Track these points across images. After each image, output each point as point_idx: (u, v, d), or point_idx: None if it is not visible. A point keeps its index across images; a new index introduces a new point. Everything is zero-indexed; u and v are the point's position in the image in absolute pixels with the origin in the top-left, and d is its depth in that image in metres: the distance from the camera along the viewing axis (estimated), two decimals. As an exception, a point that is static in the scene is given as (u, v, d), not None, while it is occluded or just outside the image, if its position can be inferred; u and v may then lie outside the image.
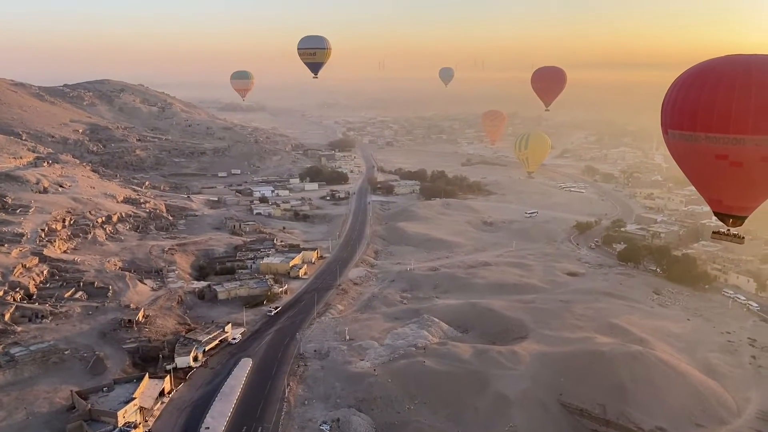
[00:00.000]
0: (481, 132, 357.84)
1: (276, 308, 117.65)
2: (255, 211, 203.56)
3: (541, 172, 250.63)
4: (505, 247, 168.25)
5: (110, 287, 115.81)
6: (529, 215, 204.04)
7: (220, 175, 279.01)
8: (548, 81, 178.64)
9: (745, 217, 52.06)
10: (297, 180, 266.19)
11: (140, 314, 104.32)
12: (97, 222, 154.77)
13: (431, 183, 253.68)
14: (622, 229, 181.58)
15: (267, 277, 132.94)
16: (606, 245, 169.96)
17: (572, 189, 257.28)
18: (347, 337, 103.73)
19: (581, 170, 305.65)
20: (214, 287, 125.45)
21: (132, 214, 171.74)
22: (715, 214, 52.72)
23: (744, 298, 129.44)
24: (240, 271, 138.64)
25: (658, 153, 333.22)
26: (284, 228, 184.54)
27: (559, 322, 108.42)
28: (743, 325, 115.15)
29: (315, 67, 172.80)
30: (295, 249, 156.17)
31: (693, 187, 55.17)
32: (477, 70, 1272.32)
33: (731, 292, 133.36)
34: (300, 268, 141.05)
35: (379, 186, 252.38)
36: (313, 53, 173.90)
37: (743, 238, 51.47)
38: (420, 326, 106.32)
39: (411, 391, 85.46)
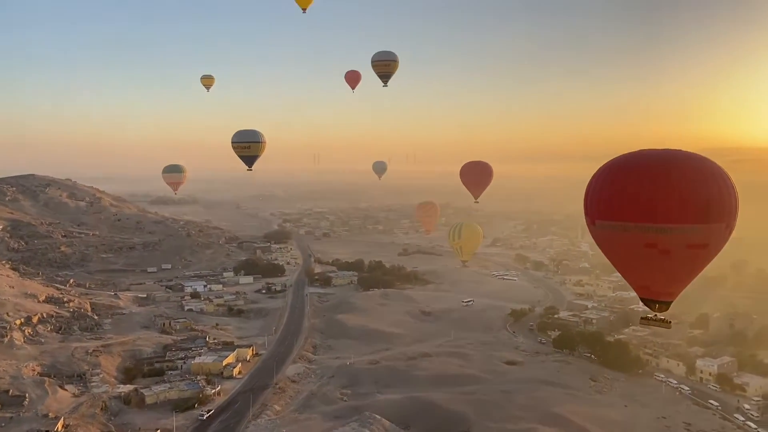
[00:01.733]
0: (416, 222, 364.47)
1: (208, 411, 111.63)
2: (186, 308, 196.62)
3: (475, 260, 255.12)
4: (444, 336, 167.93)
5: (27, 395, 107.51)
6: (465, 304, 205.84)
7: (149, 270, 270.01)
8: (476, 175, 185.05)
9: (671, 302, 54.13)
10: (231, 273, 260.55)
11: (59, 424, 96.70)
12: (14, 324, 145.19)
13: (369, 273, 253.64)
14: (556, 316, 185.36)
15: (199, 377, 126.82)
16: (541, 332, 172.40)
17: (505, 277, 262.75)
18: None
19: (513, 258, 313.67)
20: (142, 391, 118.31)
21: (54, 314, 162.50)
22: (642, 300, 54.56)
23: (675, 382, 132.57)
24: (170, 372, 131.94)
25: (584, 241, 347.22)
26: (217, 324, 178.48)
27: (501, 414, 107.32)
28: (677, 409, 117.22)
29: (249, 160, 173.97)
30: (228, 346, 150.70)
31: (619, 274, 57.33)
32: (410, 163, 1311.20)
33: (663, 376, 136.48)
34: (234, 367, 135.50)
35: (316, 277, 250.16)
36: (248, 146, 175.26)
37: (670, 322, 53.32)
38: (361, 425, 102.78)
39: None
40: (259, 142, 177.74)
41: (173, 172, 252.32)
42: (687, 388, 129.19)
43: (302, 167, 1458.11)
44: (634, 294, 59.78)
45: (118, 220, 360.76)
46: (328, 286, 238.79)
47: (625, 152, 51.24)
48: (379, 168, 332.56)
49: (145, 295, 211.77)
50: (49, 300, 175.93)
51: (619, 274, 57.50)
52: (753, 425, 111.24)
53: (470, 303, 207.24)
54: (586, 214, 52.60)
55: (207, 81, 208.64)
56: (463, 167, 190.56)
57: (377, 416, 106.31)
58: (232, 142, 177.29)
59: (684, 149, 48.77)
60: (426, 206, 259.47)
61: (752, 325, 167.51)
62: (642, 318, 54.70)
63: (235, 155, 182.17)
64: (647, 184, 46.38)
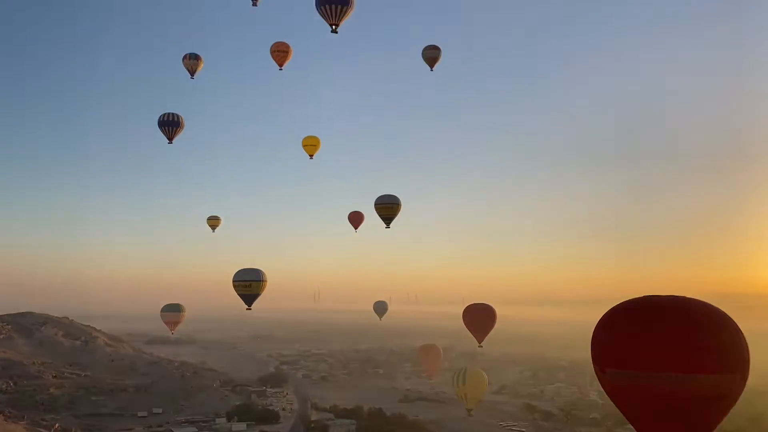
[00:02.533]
0: (418, 365, 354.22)
1: None
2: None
3: (481, 409, 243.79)
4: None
5: None
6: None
7: (140, 414, 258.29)
8: (479, 318, 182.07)
9: None
10: (224, 419, 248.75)
11: None
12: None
13: (368, 422, 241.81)
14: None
15: None
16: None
17: (513, 428, 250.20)
18: None
19: (520, 408, 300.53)
20: None
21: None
22: None
23: None
24: None
25: (593, 389, 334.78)
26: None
27: None
28: None
29: (249, 299, 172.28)
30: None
31: (632, 426, 54.10)
32: (411, 303, 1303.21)
33: None
34: None
35: (312, 426, 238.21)
36: (249, 285, 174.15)
37: None
38: None
39: None
40: (260, 281, 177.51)
41: (172, 311, 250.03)
42: None
43: (301, 306, 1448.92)
44: (650, 450, 56.08)
45: (113, 361, 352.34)
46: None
47: (632, 297, 50.37)
48: (380, 308, 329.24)
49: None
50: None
51: (632, 428, 54.23)
52: None
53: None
54: (595, 361, 50.08)
55: (213, 222, 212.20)
56: (465, 310, 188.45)
57: None
58: (233, 281, 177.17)
59: (686, 295, 48.02)
60: (428, 349, 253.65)
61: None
62: None
63: (235, 294, 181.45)
64: (663, 331, 44.72)
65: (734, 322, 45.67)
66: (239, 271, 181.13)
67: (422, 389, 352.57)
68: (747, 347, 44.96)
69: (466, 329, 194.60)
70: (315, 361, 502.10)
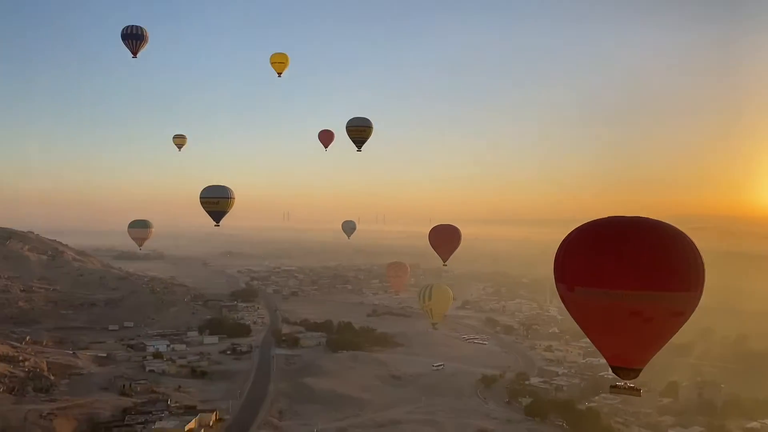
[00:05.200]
0: (386, 282, 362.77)
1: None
2: (148, 368, 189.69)
3: (446, 323, 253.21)
4: (414, 402, 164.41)
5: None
6: (436, 368, 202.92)
7: (111, 328, 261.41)
8: (444, 238, 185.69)
9: (641, 370, 53.79)
10: (195, 333, 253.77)
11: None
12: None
13: (338, 335, 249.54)
14: (527, 382, 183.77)
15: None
16: (512, 399, 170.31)
17: (476, 341, 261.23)
18: None
19: (483, 322, 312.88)
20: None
21: (8, 373, 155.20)
22: (612, 368, 53.93)
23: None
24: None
25: (553, 306, 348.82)
26: (180, 387, 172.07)
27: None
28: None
29: (217, 216, 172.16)
30: (191, 411, 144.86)
31: (589, 340, 56.93)
32: (379, 223, 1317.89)
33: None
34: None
35: (283, 338, 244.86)
36: (216, 202, 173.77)
37: (640, 390, 52.60)
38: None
39: None
40: (228, 197, 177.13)
41: (139, 227, 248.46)
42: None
43: (272, 225, 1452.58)
44: (603, 361, 59.51)
45: (81, 275, 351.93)
46: (295, 347, 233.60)
47: (594, 218, 51.41)
48: (349, 227, 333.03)
49: (105, 355, 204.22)
50: (3, 358, 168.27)
51: (588, 340, 57.13)
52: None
53: (441, 367, 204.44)
54: (562, 280, 51.73)
55: (179, 140, 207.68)
56: (431, 231, 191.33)
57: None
58: (201, 198, 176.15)
59: (646, 216, 49.46)
60: (396, 266, 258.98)
61: (720, 394, 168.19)
62: (612, 386, 53.82)
63: (203, 211, 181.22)
64: (630, 251, 46.50)
65: (693, 242, 47.89)
66: (206, 188, 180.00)
67: (389, 304, 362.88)
68: (704, 267, 47.44)
69: (432, 248, 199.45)
70: (285, 277, 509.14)
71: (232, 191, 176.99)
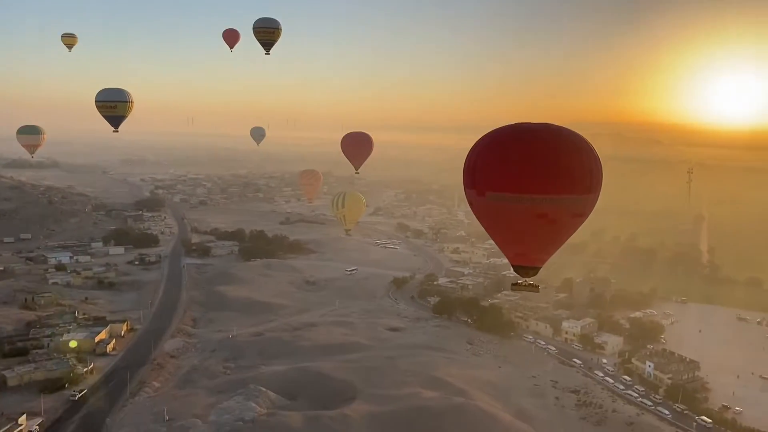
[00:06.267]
0: (298, 190, 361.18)
1: (81, 391, 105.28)
2: (51, 281, 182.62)
3: (358, 229, 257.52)
4: (328, 306, 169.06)
5: None
6: (349, 272, 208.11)
7: (6, 240, 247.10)
8: (356, 146, 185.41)
9: (540, 268, 57.30)
10: (100, 244, 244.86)
11: None
12: None
13: (250, 243, 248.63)
14: (435, 282, 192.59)
15: (68, 356, 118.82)
16: (421, 299, 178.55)
17: (387, 245, 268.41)
18: (166, 418, 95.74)
19: (394, 227, 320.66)
20: (2, 372, 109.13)
21: None
22: (514, 267, 57.10)
23: (543, 343, 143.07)
24: (35, 351, 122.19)
25: (460, 210, 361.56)
26: (86, 298, 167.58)
27: (385, 380, 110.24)
28: (545, 369, 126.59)
29: (115, 121, 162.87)
30: (100, 322, 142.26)
31: (492, 241, 59.87)
32: (289, 129, 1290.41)
33: (532, 337, 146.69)
34: (107, 344, 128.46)
35: (193, 248, 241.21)
36: (113, 106, 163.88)
37: (538, 287, 56.71)
38: (246, 398, 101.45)
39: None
40: (126, 101, 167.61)
41: (29, 133, 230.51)
42: (554, 348, 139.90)
43: (174, 130, 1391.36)
44: (505, 261, 63.08)
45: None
46: (206, 256, 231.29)
47: (501, 125, 52.67)
48: (258, 134, 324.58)
49: (2, 268, 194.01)
50: None
51: (492, 242, 60.15)
52: (610, 380, 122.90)
53: (354, 271, 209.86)
54: (473, 185, 53.01)
55: (69, 40, 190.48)
56: (343, 138, 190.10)
57: (262, 388, 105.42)
58: (96, 101, 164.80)
59: (550, 123, 51.34)
60: (308, 174, 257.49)
61: (610, 288, 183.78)
62: (513, 284, 57.41)
63: (100, 116, 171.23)
64: (538, 157, 48.32)
65: (593, 147, 50.39)
66: (102, 91, 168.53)
67: (302, 212, 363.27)
68: (601, 171, 50.31)
69: (345, 156, 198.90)
70: (192, 185, 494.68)
71: (130, 95, 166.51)
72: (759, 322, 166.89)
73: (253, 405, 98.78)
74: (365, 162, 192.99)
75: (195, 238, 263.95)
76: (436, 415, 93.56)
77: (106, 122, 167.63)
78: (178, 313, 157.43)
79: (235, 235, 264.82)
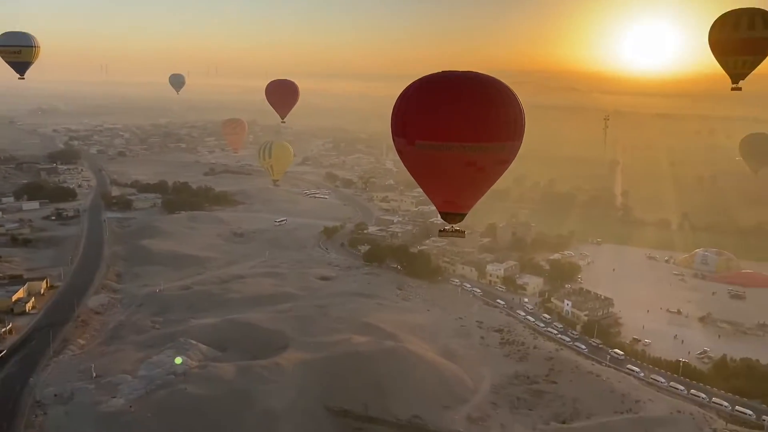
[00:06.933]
0: (223, 140, 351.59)
1: (0, 351, 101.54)
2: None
3: (286, 180, 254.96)
4: (257, 257, 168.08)
5: None
6: (278, 223, 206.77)
7: None
8: (282, 94, 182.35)
9: (466, 214, 59.22)
10: (11, 199, 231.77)
11: None
12: None
13: (174, 195, 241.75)
14: (365, 231, 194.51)
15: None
16: (352, 248, 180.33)
17: (317, 195, 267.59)
18: (94, 374, 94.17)
19: (323, 177, 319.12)
20: None
21: None
22: (441, 214, 58.71)
23: (469, 286, 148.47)
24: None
25: (388, 159, 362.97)
26: (0, 257, 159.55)
27: (317, 328, 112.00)
28: (471, 310, 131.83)
29: (20, 67, 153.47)
30: (17, 280, 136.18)
31: (420, 189, 61.20)
32: (211, 77, 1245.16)
33: (458, 281, 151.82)
34: (26, 302, 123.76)
35: (114, 201, 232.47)
36: (18, 51, 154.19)
37: (464, 232, 58.56)
38: (177, 351, 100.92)
39: (175, 422, 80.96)
40: (31, 46, 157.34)
41: None
42: (479, 291, 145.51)
43: (88, 79, 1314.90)
44: (433, 208, 64.76)
45: None
46: (128, 210, 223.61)
47: (425, 74, 53.05)
48: (177, 81, 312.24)
49: None
50: None
51: (420, 190, 61.44)
52: (531, 319, 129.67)
53: (283, 222, 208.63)
54: (402, 134, 53.51)
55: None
56: (268, 86, 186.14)
57: (193, 341, 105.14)
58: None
59: (476, 71, 52.17)
60: (232, 123, 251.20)
61: (531, 232, 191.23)
62: (441, 230, 59.18)
63: (2, 61, 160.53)
64: (469, 105, 49.10)
65: (516, 95, 51.76)
66: (4, 34, 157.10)
67: (227, 163, 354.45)
68: (524, 118, 51.89)
69: (270, 105, 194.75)
70: (109, 136, 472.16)
71: (35, 39, 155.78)
72: (667, 260, 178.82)
73: (184, 358, 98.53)
74: (292, 110, 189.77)
75: (115, 191, 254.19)
76: (368, 359, 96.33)
77: (11, 69, 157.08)
78: (100, 268, 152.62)
79: (158, 188, 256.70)
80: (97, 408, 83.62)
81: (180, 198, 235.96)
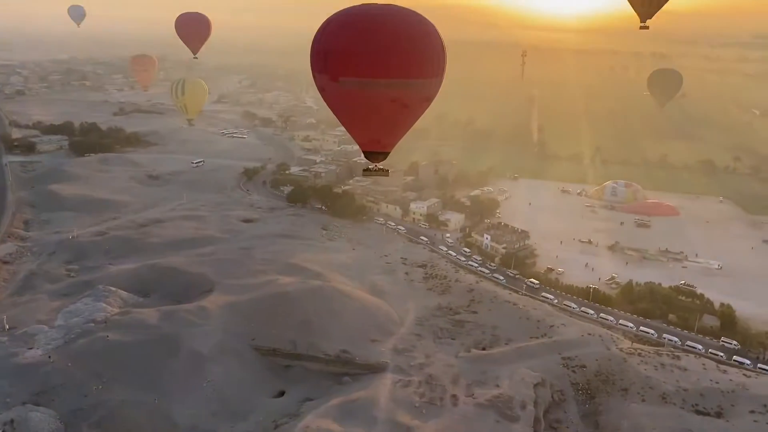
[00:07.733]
0: (132, 78, 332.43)
1: None
2: None
3: (202, 119, 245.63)
4: (175, 200, 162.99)
5: None
6: (195, 165, 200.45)
7: None
8: (193, 28, 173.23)
9: (389, 153, 59.27)
10: None
11: None
12: None
13: (82, 137, 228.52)
14: (287, 172, 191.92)
15: None
16: (274, 188, 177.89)
17: (235, 135, 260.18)
18: (6, 326, 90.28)
19: (240, 115, 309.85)
20: None
21: None
22: (365, 153, 58.46)
23: (393, 224, 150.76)
24: None
25: (309, 96, 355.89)
26: None
27: (242, 270, 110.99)
28: (396, 247, 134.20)
29: None
30: None
31: (342, 128, 60.53)
32: (116, 8, 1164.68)
33: (383, 219, 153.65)
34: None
35: (15, 144, 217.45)
36: None
37: (388, 171, 58.47)
38: (96, 299, 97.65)
39: (97, 370, 79.22)
40: None
41: None
42: (403, 228, 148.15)
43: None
44: (356, 147, 64.16)
45: None
46: (31, 153, 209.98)
47: (342, 7, 51.50)
48: (77, 13, 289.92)
49: None
50: None
51: (342, 129, 60.66)
52: (453, 253, 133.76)
53: (200, 164, 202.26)
54: (324, 70, 51.97)
55: None
56: (178, 19, 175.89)
57: (112, 288, 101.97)
58: None
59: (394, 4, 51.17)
60: (141, 59, 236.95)
61: (452, 170, 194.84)
62: (364, 169, 58.85)
63: None
64: (393, 40, 47.96)
65: (438, 31, 51.25)
66: None
67: (138, 101, 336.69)
68: (446, 54, 51.59)
69: (180, 39, 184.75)
70: (5, 73, 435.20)
71: None
72: (579, 193, 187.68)
73: (104, 305, 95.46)
74: (204, 45, 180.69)
75: (16, 133, 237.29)
76: (295, 299, 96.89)
77: None
78: (5, 216, 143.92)
79: (63, 129, 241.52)
80: (12, 360, 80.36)
81: (89, 140, 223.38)
